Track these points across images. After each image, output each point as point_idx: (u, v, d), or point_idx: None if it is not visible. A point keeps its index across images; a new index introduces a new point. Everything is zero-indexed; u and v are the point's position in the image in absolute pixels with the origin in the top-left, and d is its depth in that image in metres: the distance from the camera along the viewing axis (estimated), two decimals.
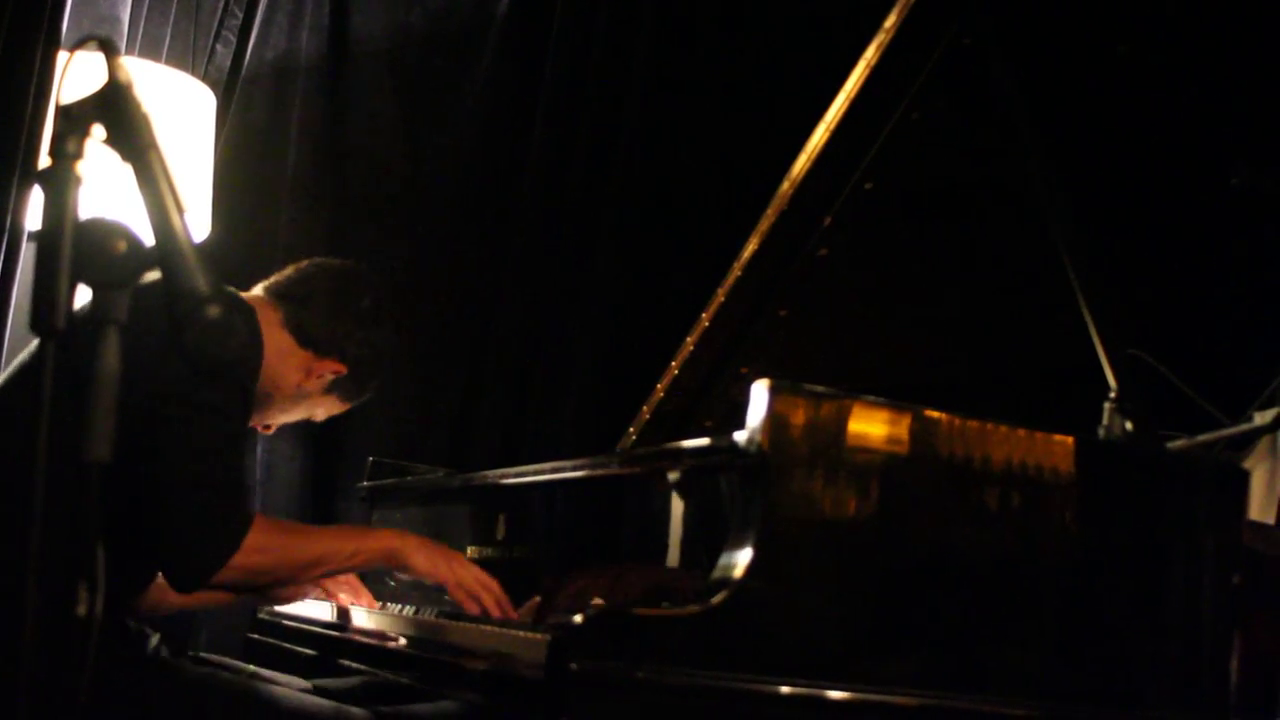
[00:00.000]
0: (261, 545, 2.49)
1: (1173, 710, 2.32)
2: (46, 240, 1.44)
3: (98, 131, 1.51)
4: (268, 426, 3.05)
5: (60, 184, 1.47)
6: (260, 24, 4.75)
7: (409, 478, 3.58)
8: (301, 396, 2.94)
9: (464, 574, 2.67)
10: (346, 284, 2.97)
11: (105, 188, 3.37)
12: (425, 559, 2.68)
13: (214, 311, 1.46)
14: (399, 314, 3.06)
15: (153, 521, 2.40)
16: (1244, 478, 2.46)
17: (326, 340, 2.89)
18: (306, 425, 4.22)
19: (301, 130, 4.71)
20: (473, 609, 2.62)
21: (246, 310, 2.72)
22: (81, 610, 1.41)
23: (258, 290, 2.94)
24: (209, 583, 2.48)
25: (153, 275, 1.48)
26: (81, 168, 1.49)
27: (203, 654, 3.06)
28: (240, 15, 4.76)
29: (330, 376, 2.92)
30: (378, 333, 2.96)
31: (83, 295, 1.45)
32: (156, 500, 2.40)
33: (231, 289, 2.72)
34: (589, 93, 4.68)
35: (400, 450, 4.11)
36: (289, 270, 2.98)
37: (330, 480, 4.50)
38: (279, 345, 2.84)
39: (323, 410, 3.04)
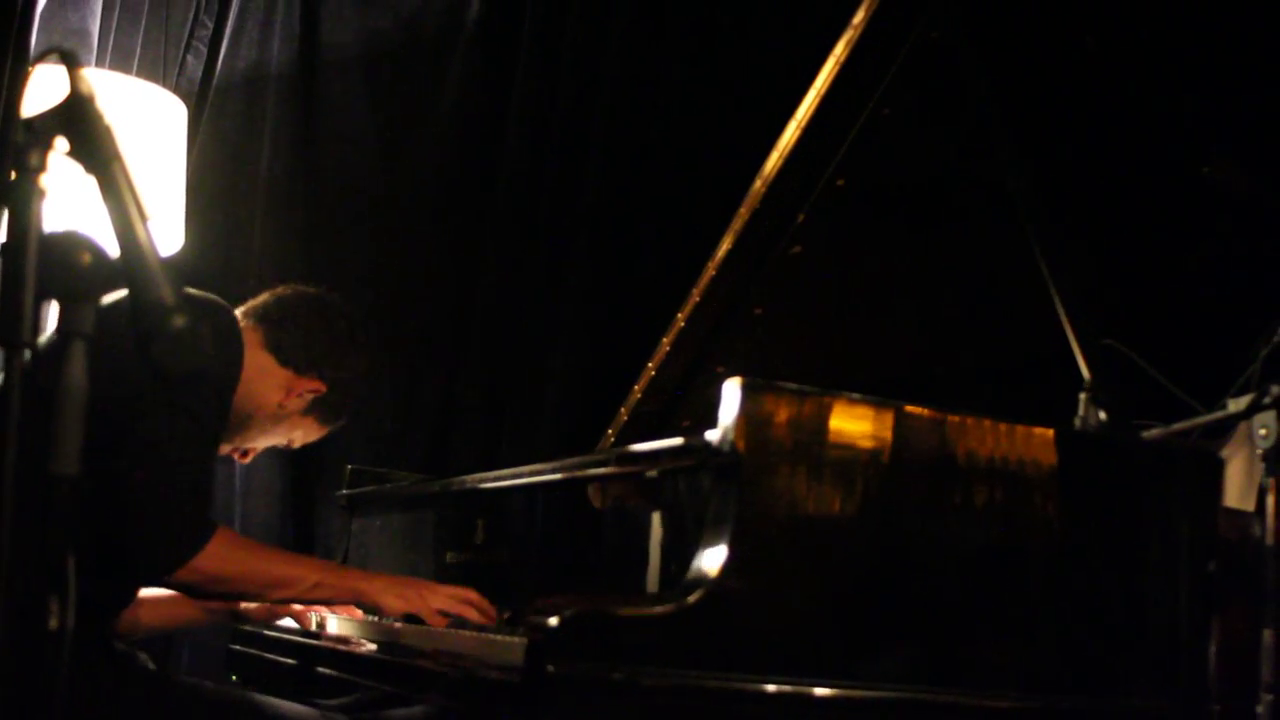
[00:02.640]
0: (222, 554, 2.55)
1: (1152, 697, 2.33)
2: (11, 254, 1.44)
3: (61, 144, 1.51)
4: (245, 454, 3.10)
5: (24, 197, 1.47)
6: (231, 34, 4.75)
7: (388, 485, 3.58)
8: (282, 417, 2.99)
9: (436, 600, 2.68)
10: (323, 308, 3.05)
11: (70, 200, 3.36)
12: (395, 597, 2.70)
13: (179, 322, 1.46)
14: (373, 338, 3.14)
15: (121, 513, 2.44)
16: (1219, 465, 2.47)
17: (306, 359, 2.96)
18: None
19: (274, 139, 4.71)
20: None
21: (225, 318, 2.76)
22: (53, 623, 1.41)
23: (236, 314, 2.96)
24: (168, 579, 2.55)
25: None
26: (45, 180, 1.49)
27: (184, 677, 3.06)
28: (211, 25, 4.76)
29: (310, 396, 2.99)
30: (354, 354, 3.04)
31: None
32: (126, 492, 2.43)
33: (215, 298, 2.76)
34: (561, 95, 4.67)
35: (378, 457, 4.11)
36: (265, 296, 3.05)
37: (309, 488, 4.50)
38: (260, 364, 2.91)
39: (300, 434, 3.10)
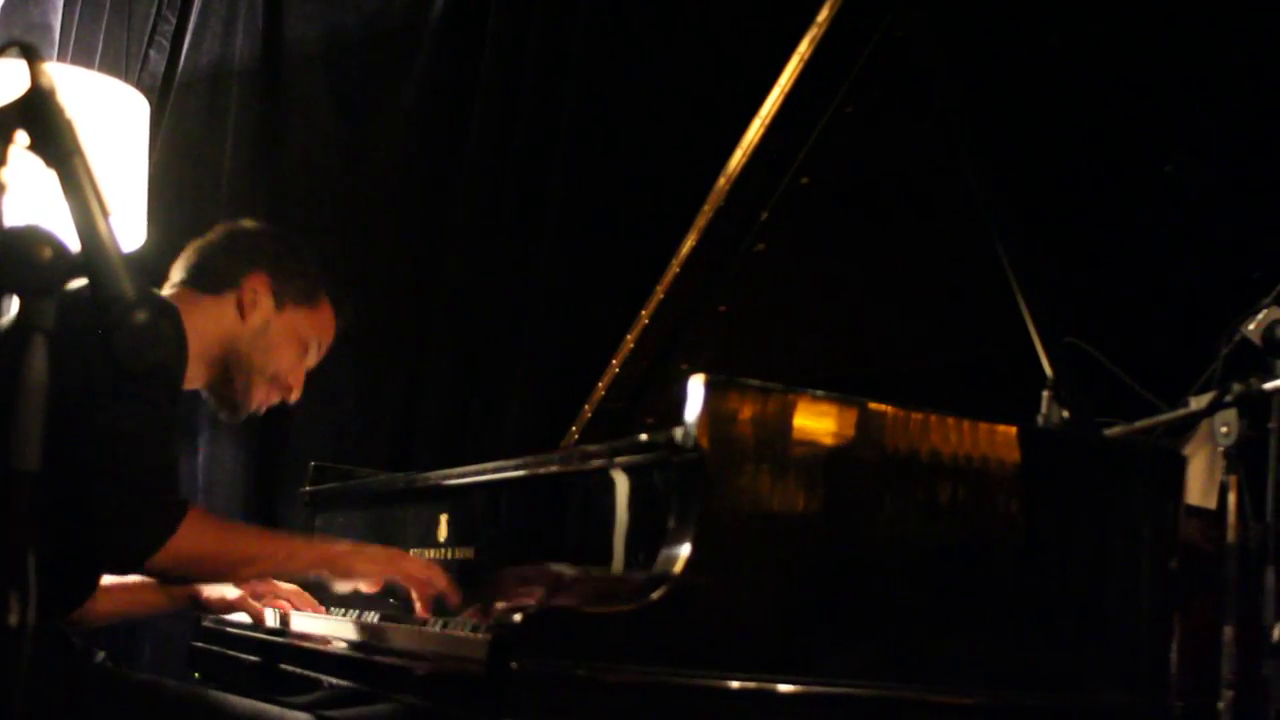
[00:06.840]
0: (197, 532, 2.48)
1: (1115, 694, 2.33)
2: None
3: (21, 138, 1.50)
4: (290, 390, 3.03)
5: None
6: (194, 29, 4.73)
7: (351, 481, 3.57)
8: (264, 330, 2.93)
9: (410, 566, 2.66)
10: (226, 226, 3.04)
11: (30, 195, 3.34)
12: (367, 561, 2.67)
13: (141, 316, 1.45)
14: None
15: (87, 507, 2.39)
16: (1181, 463, 2.48)
17: (231, 268, 2.92)
18: (247, 429, 4.24)
19: (237, 134, 4.70)
20: (425, 598, 2.63)
21: (172, 313, 2.71)
22: (13, 619, 1.40)
23: (167, 288, 2.93)
24: (144, 566, 2.48)
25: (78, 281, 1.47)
26: (5, 175, 1.48)
27: (141, 674, 3.03)
28: (174, 21, 4.74)
29: (265, 292, 2.93)
30: (272, 230, 3.05)
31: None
32: (90, 486, 2.38)
33: (156, 292, 2.72)
34: (525, 91, 4.66)
35: (342, 454, 4.10)
36: (180, 259, 3.00)
37: (272, 485, 4.49)
38: (208, 313, 2.87)
39: (310, 333, 3.02)
